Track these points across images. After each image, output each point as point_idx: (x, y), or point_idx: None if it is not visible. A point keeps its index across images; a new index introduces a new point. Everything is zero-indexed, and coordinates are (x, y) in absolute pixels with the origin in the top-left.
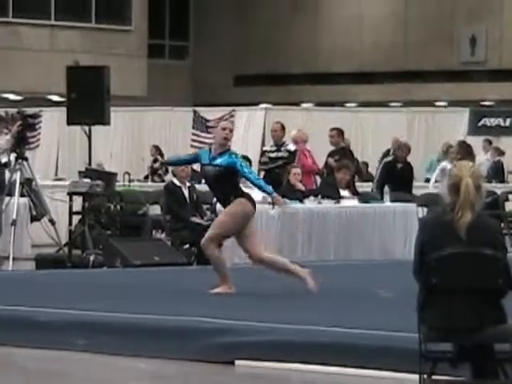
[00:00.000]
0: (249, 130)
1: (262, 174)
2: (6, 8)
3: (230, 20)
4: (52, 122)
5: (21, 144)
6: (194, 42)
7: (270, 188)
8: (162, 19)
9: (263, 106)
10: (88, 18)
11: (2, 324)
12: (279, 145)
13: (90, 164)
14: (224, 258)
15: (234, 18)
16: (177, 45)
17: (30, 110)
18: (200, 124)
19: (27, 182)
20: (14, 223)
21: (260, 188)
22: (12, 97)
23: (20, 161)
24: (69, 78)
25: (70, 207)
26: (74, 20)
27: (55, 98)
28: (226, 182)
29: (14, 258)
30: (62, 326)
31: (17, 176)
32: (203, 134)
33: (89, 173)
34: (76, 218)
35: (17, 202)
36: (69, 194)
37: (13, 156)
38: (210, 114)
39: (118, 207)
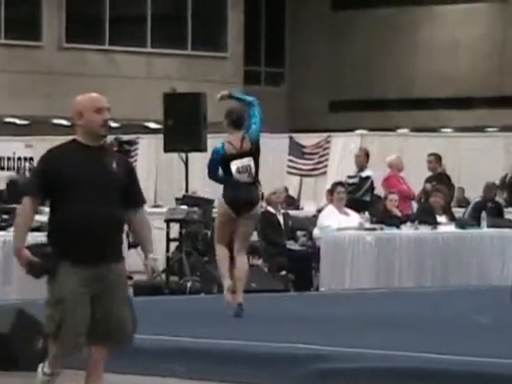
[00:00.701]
0: (344, 156)
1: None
2: (102, 36)
3: (325, 46)
4: (149, 148)
5: None
6: (289, 68)
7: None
8: (258, 46)
9: (359, 131)
10: (184, 45)
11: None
12: (361, 171)
13: (186, 191)
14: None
15: (329, 44)
16: (272, 71)
17: (126, 137)
18: (296, 150)
19: None
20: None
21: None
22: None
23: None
24: (166, 104)
25: (168, 234)
26: (171, 47)
27: (152, 125)
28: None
29: None
30: (162, 353)
31: None
32: (299, 161)
33: (186, 199)
34: (173, 245)
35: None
36: (166, 220)
37: None
38: (306, 140)
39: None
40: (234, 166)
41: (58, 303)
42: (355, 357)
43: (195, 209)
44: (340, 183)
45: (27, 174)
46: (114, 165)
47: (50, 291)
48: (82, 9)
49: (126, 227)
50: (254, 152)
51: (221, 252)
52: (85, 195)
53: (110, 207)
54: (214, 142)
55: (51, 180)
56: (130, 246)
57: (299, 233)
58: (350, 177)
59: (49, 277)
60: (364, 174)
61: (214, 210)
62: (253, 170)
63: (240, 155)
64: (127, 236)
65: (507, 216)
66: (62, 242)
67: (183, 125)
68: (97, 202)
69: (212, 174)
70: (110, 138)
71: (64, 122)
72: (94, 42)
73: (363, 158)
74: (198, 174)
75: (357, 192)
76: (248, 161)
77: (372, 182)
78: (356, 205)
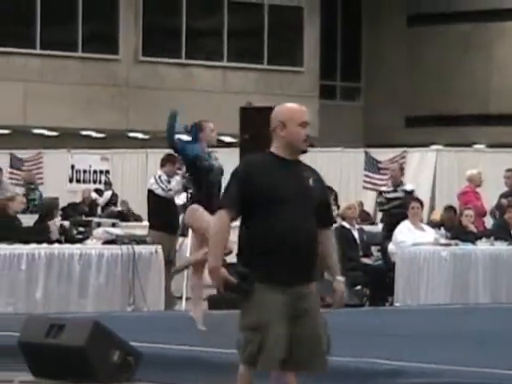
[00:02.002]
0: (420, 172)
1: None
2: (179, 50)
3: (401, 61)
4: (224, 162)
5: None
6: (365, 82)
7: None
8: (334, 60)
9: (434, 147)
10: (260, 59)
11: (175, 364)
12: (396, 185)
13: None
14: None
15: (405, 59)
16: (348, 86)
17: None
18: (371, 165)
19: None
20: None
21: None
22: (185, 137)
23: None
24: (242, 118)
25: None
26: (247, 61)
27: (227, 139)
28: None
29: (186, 298)
30: (237, 367)
31: None
32: (375, 176)
33: None
34: None
35: (190, 243)
36: None
37: (185, 196)
38: (382, 155)
39: None
40: None
41: (257, 327)
42: (433, 372)
43: None
44: (416, 198)
45: None
46: (311, 180)
47: (246, 313)
48: (159, 22)
49: (178, 247)
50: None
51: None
52: (285, 212)
53: (310, 225)
54: None
55: (250, 193)
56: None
57: (374, 248)
58: (388, 192)
59: (245, 298)
60: (408, 188)
61: None
62: None
63: None
64: None
65: None
66: (260, 262)
67: (259, 139)
68: (298, 219)
69: None
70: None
71: (140, 136)
72: (171, 55)
73: (399, 173)
74: None
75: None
76: None
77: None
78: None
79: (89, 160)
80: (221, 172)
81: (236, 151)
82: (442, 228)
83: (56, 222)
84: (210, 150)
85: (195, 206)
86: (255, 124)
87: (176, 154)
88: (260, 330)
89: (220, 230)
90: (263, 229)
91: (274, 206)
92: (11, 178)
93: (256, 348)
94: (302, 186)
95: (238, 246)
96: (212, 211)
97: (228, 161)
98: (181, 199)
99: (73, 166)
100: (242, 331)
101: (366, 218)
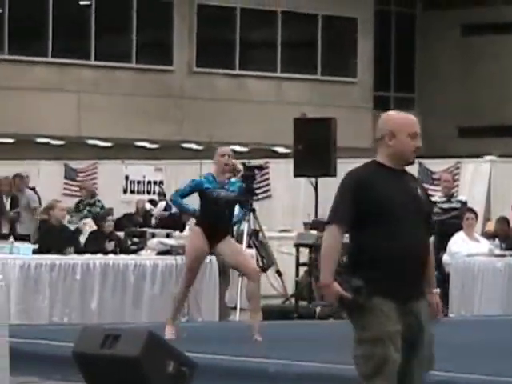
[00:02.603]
0: (474, 183)
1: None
2: (233, 61)
3: (455, 71)
4: (278, 173)
5: (248, 195)
6: (419, 93)
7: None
8: (387, 71)
9: (489, 158)
10: (314, 70)
11: (230, 375)
12: (449, 195)
13: (316, 216)
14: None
15: (459, 70)
16: (402, 96)
17: (255, 162)
18: (426, 176)
19: (254, 233)
20: (241, 274)
21: None
22: (238, 148)
23: (246, 212)
24: (296, 129)
25: (297, 258)
26: (300, 72)
27: (281, 150)
28: (233, 210)
29: (240, 309)
30: (291, 378)
31: (244, 227)
32: (429, 187)
33: (315, 224)
34: (302, 270)
35: None
36: (296, 245)
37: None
38: (435, 165)
39: (344, 259)
40: None
41: (376, 342)
42: None
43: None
44: (471, 209)
45: None
46: (419, 190)
47: (362, 328)
48: (213, 33)
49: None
50: None
51: None
52: (401, 223)
53: (424, 236)
54: (343, 167)
55: (364, 206)
56: (259, 269)
57: None
58: (442, 202)
59: (360, 312)
60: (463, 199)
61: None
62: None
63: None
64: (256, 260)
65: None
66: (376, 275)
67: (313, 150)
68: (413, 230)
69: None
70: (237, 163)
71: (194, 146)
72: (225, 66)
73: (452, 183)
74: (327, 199)
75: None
76: None
77: None
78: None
79: (143, 171)
80: (230, 202)
81: (290, 162)
82: (497, 239)
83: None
84: (229, 177)
85: (196, 228)
86: (309, 135)
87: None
88: (380, 344)
89: (331, 246)
90: (379, 241)
91: (389, 217)
92: (65, 189)
93: (377, 363)
94: (413, 196)
95: (348, 259)
96: (209, 236)
97: (281, 171)
98: (235, 210)
99: (127, 177)
100: (359, 345)
101: None
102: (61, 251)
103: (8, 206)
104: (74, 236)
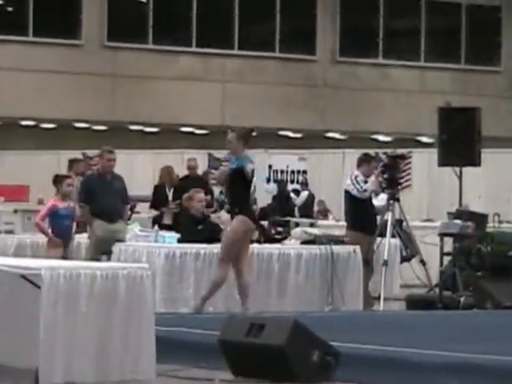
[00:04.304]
0: None
1: None
2: (376, 50)
3: None
4: (421, 163)
5: (392, 185)
6: None
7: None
8: None
9: None
10: (457, 59)
11: (374, 364)
12: None
13: (460, 205)
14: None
15: None
16: None
17: (399, 151)
18: None
19: (398, 223)
20: (385, 263)
21: None
22: (381, 138)
23: (391, 202)
24: (440, 119)
25: (441, 248)
26: (444, 61)
27: (424, 140)
28: (235, 188)
29: (384, 299)
30: (435, 368)
31: (388, 217)
32: None
33: (459, 214)
34: (446, 259)
35: (388, 243)
36: (440, 235)
37: (384, 196)
38: None
39: (488, 248)
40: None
41: None
42: None
43: (469, 223)
44: None
45: None
46: None
47: None
48: (356, 22)
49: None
50: None
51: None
52: None
53: None
54: (487, 156)
55: None
56: (403, 259)
57: None
58: None
59: None
60: None
61: (489, 225)
62: None
63: None
64: (400, 250)
65: None
66: None
67: (457, 139)
68: None
69: None
70: (380, 152)
71: (337, 136)
72: (368, 55)
73: None
74: (471, 188)
75: None
76: None
77: None
78: None
79: (286, 160)
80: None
81: (432, 152)
82: None
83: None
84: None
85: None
86: (454, 124)
87: (371, 155)
88: None
89: None
90: None
91: None
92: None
93: None
94: None
95: None
96: None
97: (424, 161)
98: (378, 200)
99: (270, 166)
100: None
101: None
102: (203, 241)
103: (170, 196)
104: (215, 227)
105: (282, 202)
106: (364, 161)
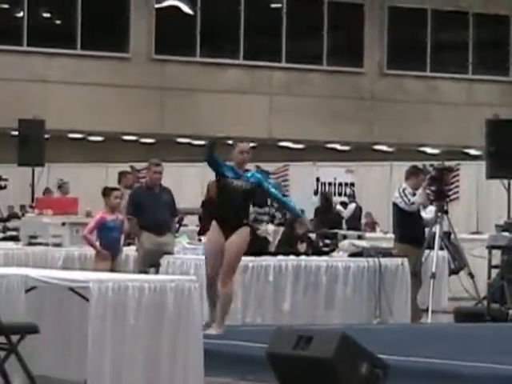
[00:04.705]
0: None
1: None
2: (424, 63)
3: None
4: (469, 175)
5: (440, 197)
6: None
7: (297, 210)
8: None
9: None
10: (505, 71)
11: (423, 377)
12: None
13: (508, 217)
14: None
15: None
16: None
17: (446, 164)
18: None
19: (446, 235)
20: (433, 276)
21: (286, 207)
22: (429, 150)
23: (440, 214)
24: (488, 131)
25: (489, 261)
26: (492, 73)
27: (472, 152)
28: (248, 201)
29: (432, 311)
30: (483, 380)
31: (436, 229)
32: None
33: (508, 226)
34: (494, 272)
35: (436, 255)
36: (488, 247)
37: (432, 209)
38: None
39: None
40: None
41: None
42: None
43: None
44: None
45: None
46: None
47: None
48: (404, 35)
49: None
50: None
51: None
52: None
53: None
54: None
55: None
56: (451, 272)
57: None
58: None
59: None
60: None
61: None
62: None
63: None
64: (448, 263)
65: None
66: None
67: (505, 151)
68: None
69: None
70: (427, 165)
71: (384, 148)
72: (416, 68)
73: None
74: None
75: None
76: None
77: None
78: None
79: (334, 172)
80: (239, 191)
81: (480, 164)
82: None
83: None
84: (244, 170)
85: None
86: (502, 136)
87: (419, 168)
88: None
89: None
90: None
91: None
92: None
93: None
94: None
95: None
96: (222, 227)
97: (472, 173)
98: (427, 212)
99: (318, 179)
100: None
101: None
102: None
103: None
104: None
105: (326, 214)
106: (412, 173)
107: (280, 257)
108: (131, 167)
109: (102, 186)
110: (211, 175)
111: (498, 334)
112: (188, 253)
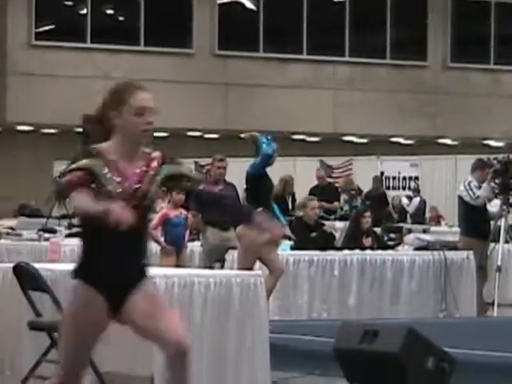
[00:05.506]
0: None
1: None
2: (488, 56)
3: None
4: None
5: (505, 190)
6: None
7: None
8: None
9: None
10: None
11: (490, 371)
12: None
13: None
14: None
15: None
16: None
17: (511, 157)
18: None
19: (511, 229)
20: (498, 269)
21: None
22: (493, 143)
23: (505, 207)
24: None
25: None
26: None
27: None
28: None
29: (498, 305)
30: None
31: (501, 222)
32: None
33: None
34: None
35: (501, 248)
36: None
37: (497, 202)
38: None
39: None
40: None
41: None
42: None
43: None
44: None
45: None
46: None
47: None
48: (468, 28)
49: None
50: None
51: None
52: None
53: None
54: None
55: None
56: None
57: None
58: None
59: None
60: None
61: None
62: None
63: None
64: None
65: None
66: None
67: None
68: None
69: None
70: (491, 158)
71: (448, 142)
72: (480, 61)
73: None
74: None
75: None
76: None
77: None
78: None
79: (398, 166)
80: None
81: None
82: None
83: None
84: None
85: None
86: None
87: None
88: None
89: None
90: None
91: None
92: None
93: None
94: None
95: None
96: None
97: None
98: (492, 206)
99: (382, 173)
100: None
101: None
102: (316, 249)
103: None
104: (329, 235)
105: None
106: (478, 167)
107: (345, 251)
108: (195, 163)
109: None
110: (275, 169)
111: None
112: None
